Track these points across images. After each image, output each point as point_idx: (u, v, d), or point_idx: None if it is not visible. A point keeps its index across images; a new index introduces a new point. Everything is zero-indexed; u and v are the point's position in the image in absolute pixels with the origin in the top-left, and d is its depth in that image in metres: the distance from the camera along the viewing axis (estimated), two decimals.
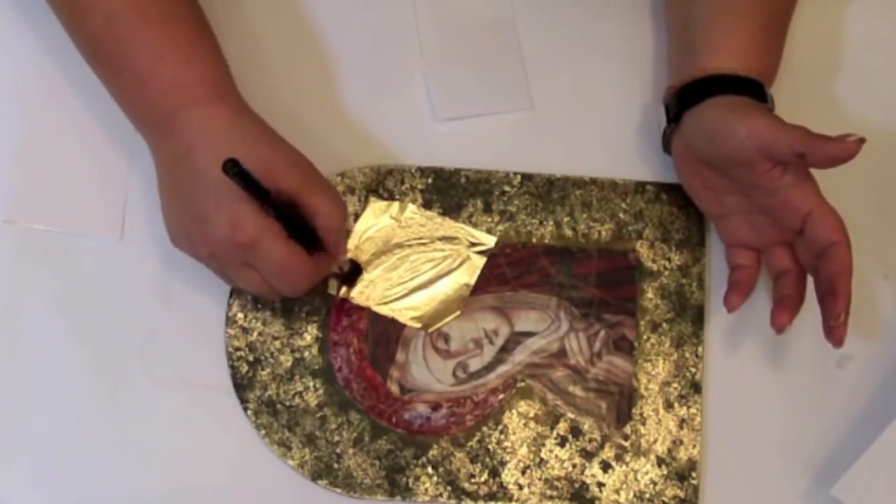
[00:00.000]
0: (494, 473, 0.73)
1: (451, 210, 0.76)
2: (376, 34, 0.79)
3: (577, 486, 0.73)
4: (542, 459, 0.73)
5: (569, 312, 0.75)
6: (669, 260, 0.76)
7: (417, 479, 0.72)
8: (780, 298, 0.70)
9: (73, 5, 0.70)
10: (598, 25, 0.80)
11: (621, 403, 0.74)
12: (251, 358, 0.73)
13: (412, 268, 0.75)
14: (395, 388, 0.73)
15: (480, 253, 0.75)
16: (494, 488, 0.72)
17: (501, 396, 0.74)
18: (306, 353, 0.73)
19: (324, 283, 0.74)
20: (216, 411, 0.73)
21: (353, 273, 0.74)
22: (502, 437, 0.73)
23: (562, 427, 0.73)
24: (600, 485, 0.73)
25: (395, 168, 0.76)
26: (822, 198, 0.67)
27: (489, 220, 0.76)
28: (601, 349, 0.74)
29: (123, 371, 0.73)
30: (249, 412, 0.73)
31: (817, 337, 0.67)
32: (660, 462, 0.73)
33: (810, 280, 0.70)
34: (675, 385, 0.74)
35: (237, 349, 0.73)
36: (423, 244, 0.75)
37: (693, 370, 0.74)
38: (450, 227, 0.76)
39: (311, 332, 0.74)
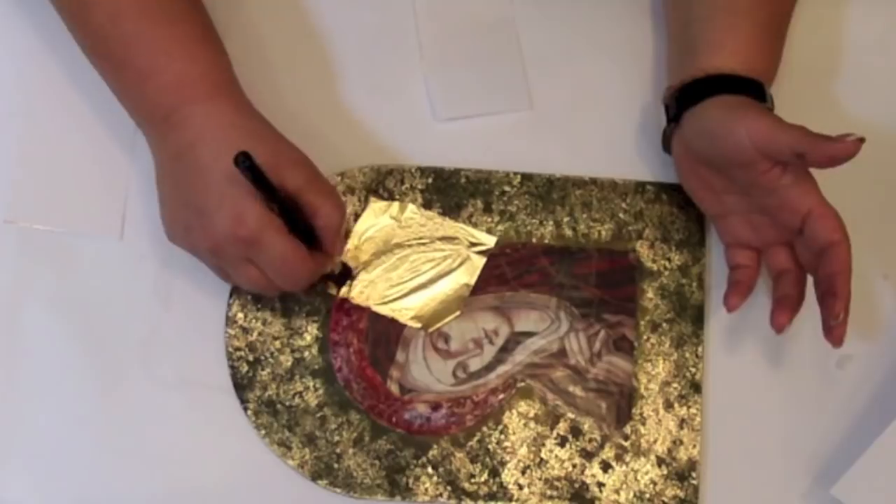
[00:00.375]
0: (494, 473, 0.73)
1: (451, 210, 0.76)
2: (376, 34, 0.79)
3: (577, 486, 0.73)
4: (542, 459, 0.73)
5: (569, 312, 0.75)
6: (669, 260, 0.76)
7: (417, 479, 0.72)
8: (780, 298, 0.70)
9: (77, 3, 0.70)
10: (598, 25, 0.80)
11: (621, 403, 0.74)
12: (251, 358, 0.73)
13: (412, 268, 0.75)
14: (395, 388, 0.73)
15: (480, 253, 0.75)
16: (494, 488, 0.72)
17: (501, 396, 0.74)
18: (306, 353, 0.73)
19: (324, 283, 0.74)
20: (216, 411, 0.73)
21: (343, 275, 0.74)
22: (502, 437, 0.73)
23: (562, 427, 0.73)
24: (600, 485, 0.73)
25: (395, 168, 0.76)
26: (821, 197, 0.67)
27: (489, 220, 0.76)
28: (601, 349, 0.74)
29: (123, 371, 0.73)
30: (249, 412, 0.73)
31: (817, 337, 0.67)
32: (660, 462, 0.73)
33: (810, 280, 0.70)
34: (675, 385, 0.74)
35: (237, 349, 0.73)
36: (423, 244, 0.75)
37: (693, 370, 0.74)
38: (450, 227, 0.76)
39: (311, 332, 0.74)
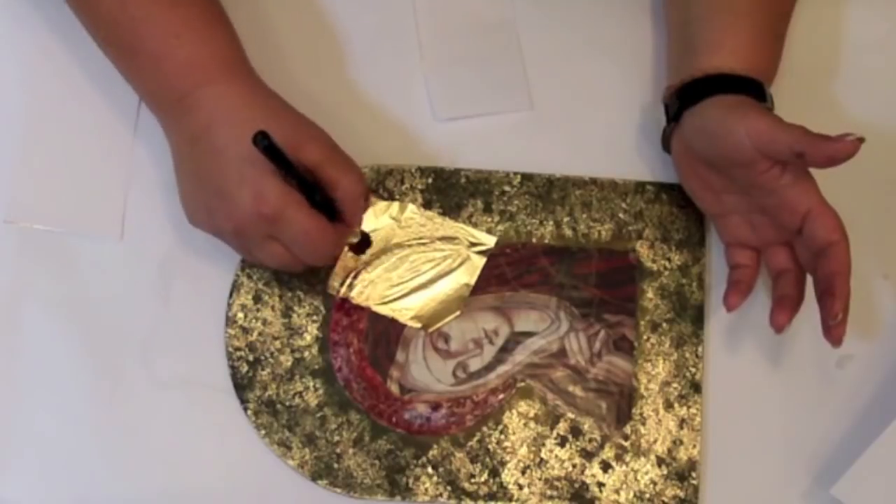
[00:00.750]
0: (494, 473, 0.73)
1: (451, 210, 0.76)
2: (376, 34, 0.79)
3: (577, 486, 0.73)
4: (542, 459, 0.73)
5: (569, 312, 0.75)
6: (669, 260, 0.76)
7: (417, 479, 0.72)
8: (780, 298, 0.70)
9: None
10: (598, 25, 0.80)
11: (621, 403, 0.74)
12: (251, 358, 0.73)
13: (412, 268, 0.75)
14: (395, 388, 0.73)
15: (480, 253, 0.75)
16: (494, 488, 0.72)
17: (501, 396, 0.74)
18: (306, 353, 0.73)
19: (324, 283, 0.74)
20: (216, 411, 0.73)
21: (362, 244, 0.74)
22: (502, 437, 0.73)
23: (562, 427, 0.73)
24: (600, 485, 0.73)
25: (395, 168, 0.76)
26: (821, 197, 0.67)
27: (489, 220, 0.76)
28: (601, 349, 0.74)
29: (123, 371, 0.73)
30: (249, 412, 0.73)
31: (817, 337, 0.67)
32: (660, 462, 0.73)
33: (810, 279, 0.70)
34: (675, 385, 0.74)
35: (237, 349, 0.73)
36: (423, 244, 0.75)
37: (693, 370, 0.74)
38: (450, 227, 0.76)
39: (311, 332, 0.74)
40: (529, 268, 0.75)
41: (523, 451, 0.73)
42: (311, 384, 0.73)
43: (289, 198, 0.66)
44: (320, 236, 0.68)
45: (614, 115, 0.78)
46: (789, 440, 0.74)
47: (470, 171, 0.76)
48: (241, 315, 0.74)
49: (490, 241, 0.75)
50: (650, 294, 0.75)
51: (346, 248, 0.74)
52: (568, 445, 0.73)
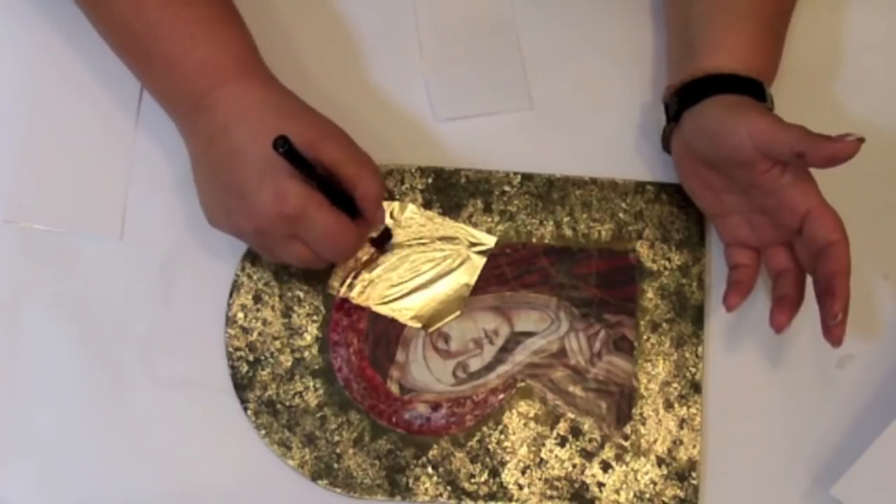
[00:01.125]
0: (494, 473, 0.73)
1: (451, 210, 0.76)
2: (376, 34, 0.79)
3: (577, 486, 0.73)
4: (542, 459, 0.73)
5: (569, 312, 0.75)
6: (669, 260, 0.76)
7: (417, 479, 0.72)
8: (779, 298, 0.70)
9: None
10: (598, 25, 0.80)
11: (621, 403, 0.74)
12: (251, 358, 0.73)
13: (412, 268, 0.75)
14: (395, 388, 0.73)
15: (480, 253, 0.75)
16: (494, 488, 0.72)
17: (501, 396, 0.74)
18: (306, 353, 0.73)
19: (324, 283, 0.74)
20: (216, 411, 0.73)
21: (383, 237, 0.74)
22: (502, 437, 0.73)
23: (562, 427, 0.73)
24: (600, 485, 0.73)
25: (395, 168, 0.76)
26: (821, 197, 0.67)
27: (489, 220, 0.76)
28: (601, 349, 0.74)
29: (123, 371, 0.73)
30: (249, 412, 0.73)
31: (817, 337, 0.67)
32: (660, 462, 0.73)
33: (810, 279, 0.70)
34: (675, 385, 0.74)
35: (237, 349, 0.73)
36: (423, 244, 0.75)
37: (693, 370, 0.74)
38: (450, 227, 0.76)
39: (311, 332, 0.74)
40: (529, 268, 0.75)
41: (523, 451, 0.73)
42: (311, 384, 0.73)
43: (309, 196, 0.66)
44: (342, 234, 0.68)
45: (614, 115, 0.78)
46: (789, 440, 0.75)
47: (470, 171, 0.76)
48: (241, 315, 0.74)
49: (490, 241, 0.76)
50: (650, 294, 0.75)
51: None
52: (568, 445, 0.73)
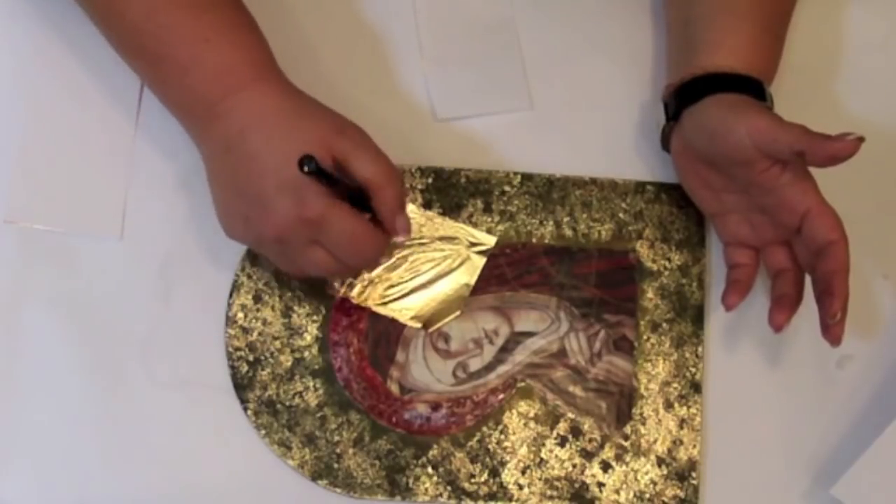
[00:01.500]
0: (494, 473, 0.73)
1: (451, 210, 0.76)
2: (376, 34, 0.79)
3: (577, 486, 0.73)
4: (542, 459, 0.73)
5: (569, 312, 0.75)
6: (669, 260, 0.76)
7: (417, 479, 0.72)
8: (778, 297, 0.70)
9: (110, 1, 0.69)
10: (598, 25, 0.80)
11: (621, 403, 0.74)
12: (251, 358, 0.73)
13: (412, 268, 0.75)
14: (395, 388, 0.73)
15: (480, 253, 0.75)
16: (494, 488, 0.72)
17: (501, 396, 0.74)
18: (306, 353, 0.73)
19: (324, 283, 0.74)
20: (216, 411, 0.73)
21: None
22: (502, 437, 0.73)
23: (562, 427, 0.73)
24: (600, 485, 0.73)
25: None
26: (820, 197, 0.67)
27: (489, 220, 0.76)
28: (601, 349, 0.74)
29: (123, 371, 0.73)
30: (249, 412, 0.73)
31: (817, 337, 0.67)
32: (660, 462, 0.73)
33: (809, 279, 0.70)
34: (675, 385, 0.74)
35: (237, 349, 0.73)
36: (423, 244, 0.75)
37: (693, 370, 0.74)
38: (450, 227, 0.76)
39: (311, 332, 0.74)
40: (529, 268, 0.75)
41: (523, 451, 0.73)
42: (311, 384, 0.73)
43: (331, 199, 0.65)
44: (365, 237, 0.67)
45: (614, 114, 0.78)
46: (789, 440, 0.74)
47: (470, 171, 0.76)
48: (241, 315, 0.74)
49: (490, 241, 0.75)
50: (650, 294, 0.75)
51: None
52: (568, 445, 0.73)
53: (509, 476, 0.73)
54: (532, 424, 0.73)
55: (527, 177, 0.77)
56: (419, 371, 0.74)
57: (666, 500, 0.73)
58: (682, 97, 0.71)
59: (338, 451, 0.72)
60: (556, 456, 0.73)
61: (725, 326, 0.75)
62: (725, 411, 0.74)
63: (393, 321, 0.74)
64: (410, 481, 0.72)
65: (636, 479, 0.73)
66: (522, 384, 0.74)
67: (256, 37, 0.70)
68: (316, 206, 0.65)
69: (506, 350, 0.74)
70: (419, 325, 0.74)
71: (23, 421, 0.72)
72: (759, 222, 0.71)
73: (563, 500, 0.72)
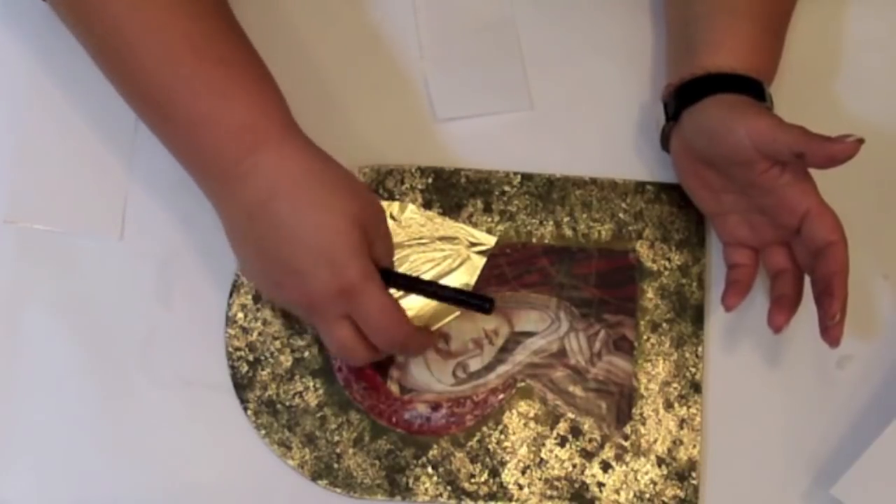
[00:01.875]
0: (494, 473, 0.73)
1: (451, 210, 0.76)
2: (376, 34, 0.79)
3: (577, 486, 0.73)
4: (542, 459, 0.73)
5: (569, 312, 0.75)
6: (669, 260, 0.76)
7: (417, 479, 0.72)
8: (778, 298, 0.70)
9: (121, 48, 0.65)
10: (598, 25, 0.80)
11: (621, 403, 0.74)
12: (251, 358, 0.73)
13: (412, 268, 0.75)
14: (395, 388, 0.73)
15: (480, 253, 0.75)
16: (494, 488, 0.72)
17: (501, 396, 0.74)
18: (306, 353, 0.73)
19: None
20: (216, 411, 0.73)
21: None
22: (502, 437, 0.73)
23: (562, 427, 0.73)
24: (600, 485, 0.73)
25: (395, 168, 0.76)
26: (819, 197, 0.67)
27: (489, 220, 0.76)
28: (601, 349, 0.74)
29: (123, 371, 0.73)
30: (249, 412, 0.73)
31: (817, 337, 0.67)
32: (660, 462, 0.73)
33: (808, 280, 0.70)
34: (675, 385, 0.74)
35: (237, 349, 0.73)
36: (423, 244, 0.75)
37: (693, 370, 0.74)
38: (450, 227, 0.76)
39: (311, 332, 0.74)
40: (529, 268, 0.75)
41: (523, 451, 0.73)
42: (311, 384, 0.73)
43: (370, 272, 0.65)
44: (396, 316, 0.66)
45: (614, 115, 0.78)
46: (789, 440, 0.75)
47: (470, 171, 0.76)
48: (241, 315, 0.74)
49: (490, 241, 0.76)
50: (650, 294, 0.75)
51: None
52: (568, 445, 0.73)
53: (509, 476, 0.73)
54: (532, 424, 0.73)
55: (527, 177, 0.77)
56: (419, 371, 0.74)
57: (666, 500, 0.73)
58: (681, 97, 0.72)
59: (338, 450, 0.72)
60: (556, 456, 0.73)
61: (725, 326, 0.76)
62: (725, 411, 0.74)
63: None
64: (410, 481, 0.72)
65: (636, 479, 0.73)
66: (522, 384, 0.74)
67: (274, 91, 0.67)
68: (354, 278, 0.64)
69: (506, 350, 0.74)
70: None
71: (23, 421, 0.72)
72: (759, 223, 0.71)
73: (563, 500, 0.72)
